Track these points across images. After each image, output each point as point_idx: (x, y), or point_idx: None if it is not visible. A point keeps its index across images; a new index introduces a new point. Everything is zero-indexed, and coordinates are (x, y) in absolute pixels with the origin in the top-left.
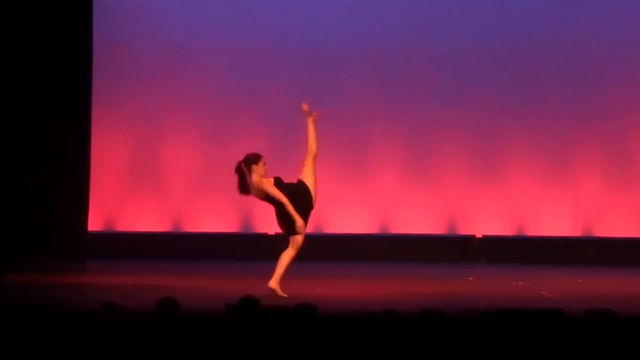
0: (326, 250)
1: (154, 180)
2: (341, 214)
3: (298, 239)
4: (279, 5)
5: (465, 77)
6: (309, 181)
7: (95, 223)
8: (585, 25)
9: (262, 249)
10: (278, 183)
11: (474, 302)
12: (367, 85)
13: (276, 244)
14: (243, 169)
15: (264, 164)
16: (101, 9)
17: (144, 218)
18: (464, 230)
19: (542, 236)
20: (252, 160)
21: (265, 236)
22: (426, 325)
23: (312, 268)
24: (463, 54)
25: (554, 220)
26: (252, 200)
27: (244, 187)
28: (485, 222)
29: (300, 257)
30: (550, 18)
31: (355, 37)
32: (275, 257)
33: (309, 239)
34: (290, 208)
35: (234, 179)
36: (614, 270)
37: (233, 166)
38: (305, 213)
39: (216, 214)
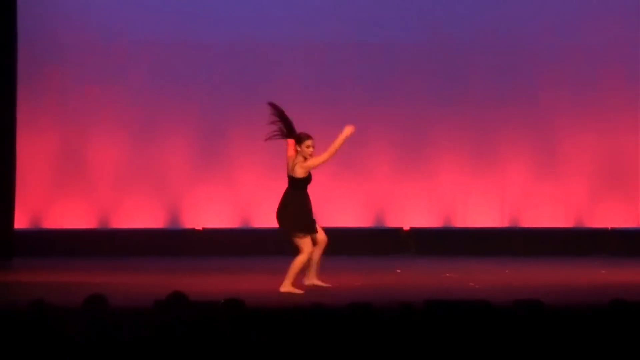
0: (254, 244)
1: (81, 177)
2: (269, 207)
3: (308, 241)
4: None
5: (392, 71)
6: None
7: (22, 220)
8: (510, 18)
9: (190, 245)
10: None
11: (402, 294)
12: (299, 79)
13: (203, 240)
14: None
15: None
16: (26, 2)
17: (71, 215)
18: (392, 222)
19: (470, 227)
20: (303, 138)
21: (193, 232)
22: (354, 318)
23: (241, 263)
24: (391, 48)
25: (481, 211)
26: (179, 196)
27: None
28: (413, 214)
29: (228, 251)
30: (479, 12)
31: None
32: (202, 253)
33: (240, 233)
34: (337, 142)
35: (161, 175)
36: (541, 261)
37: (160, 163)
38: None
39: (143, 210)
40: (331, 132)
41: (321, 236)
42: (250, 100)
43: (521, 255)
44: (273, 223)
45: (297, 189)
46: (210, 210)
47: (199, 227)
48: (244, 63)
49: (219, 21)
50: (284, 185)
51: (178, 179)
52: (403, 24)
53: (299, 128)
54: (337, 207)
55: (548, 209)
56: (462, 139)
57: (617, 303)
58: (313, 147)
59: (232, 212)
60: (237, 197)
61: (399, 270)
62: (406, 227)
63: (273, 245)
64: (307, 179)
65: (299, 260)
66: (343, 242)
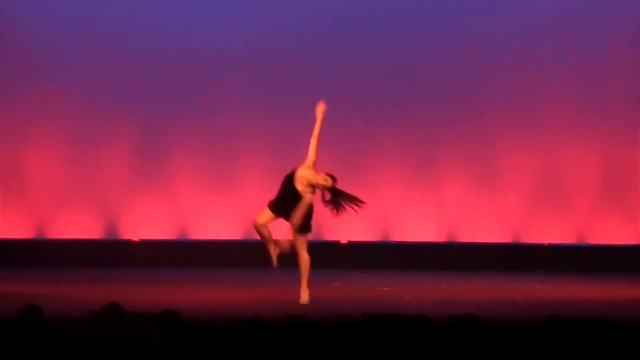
0: (191, 256)
1: (18, 187)
2: (207, 220)
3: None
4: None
5: (332, 85)
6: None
7: None
8: (451, 36)
9: (127, 256)
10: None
11: (338, 307)
12: (233, 87)
13: (140, 251)
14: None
15: None
16: None
17: (7, 225)
18: (330, 236)
19: (407, 242)
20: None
21: (129, 242)
22: (290, 331)
23: (177, 274)
24: (325, 58)
25: (418, 226)
26: (117, 207)
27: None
28: (351, 228)
29: (165, 263)
30: (419, 29)
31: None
32: (139, 264)
33: (177, 245)
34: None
35: (99, 186)
36: (477, 276)
37: (97, 174)
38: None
39: (80, 221)
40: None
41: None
42: (191, 113)
43: (458, 269)
44: (210, 235)
45: None
46: (148, 222)
47: (136, 238)
48: (184, 73)
49: (158, 29)
50: (221, 197)
51: (116, 190)
52: (342, 36)
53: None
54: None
55: (485, 224)
56: (400, 153)
57: (552, 319)
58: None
59: (170, 224)
60: (175, 209)
61: (335, 284)
62: (343, 241)
63: (209, 257)
64: None
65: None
66: (283, 255)
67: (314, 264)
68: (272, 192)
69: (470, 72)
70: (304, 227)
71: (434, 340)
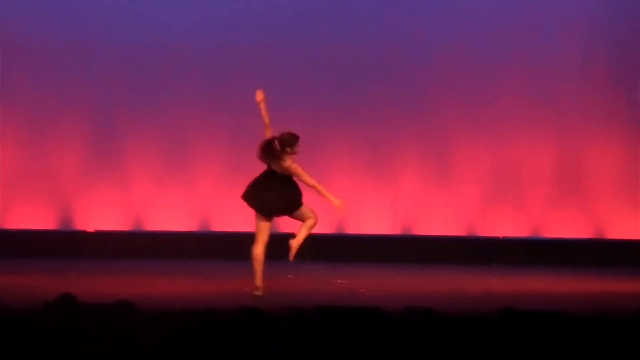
0: (146, 247)
1: None
2: (161, 211)
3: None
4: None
5: (282, 74)
6: None
7: None
8: (406, 30)
9: (81, 246)
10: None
11: (293, 299)
12: (186, 80)
13: (95, 241)
14: (276, 147)
15: (298, 146)
16: None
17: None
18: (284, 228)
19: (362, 234)
20: (288, 142)
21: (84, 233)
22: (244, 322)
23: (132, 265)
24: (274, 50)
25: (374, 218)
26: (71, 198)
27: (268, 157)
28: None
29: (120, 254)
30: (372, 23)
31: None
32: (94, 255)
33: (132, 236)
34: (324, 190)
35: (53, 176)
36: (432, 269)
37: (52, 165)
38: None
39: (34, 212)
40: None
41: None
42: (145, 104)
43: (413, 262)
44: (166, 226)
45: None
46: (102, 213)
47: (90, 229)
48: (136, 64)
49: (107, 21)
50: (175, 188)
51: (70, 181)
52: (296, 30)
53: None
54: (229, 212)
55: (440, 217)
56: (356, 147)
57: (508, 311)
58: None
59: (124, 215)
60: (129, 200)
61: (290, 276)
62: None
63: (165, 248)
64: None
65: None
66: (235, 246)
67: (269, 256)
68: (226, 184)
69: (425, 67)
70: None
71: (388, 332)
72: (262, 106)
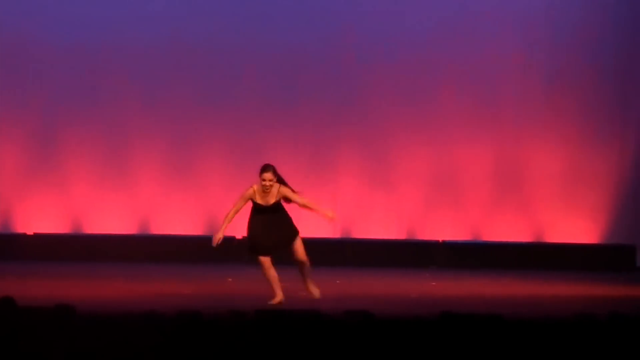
0: (85, 250)
1: None
2: (101, 214)
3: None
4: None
5: (227, 77)
6: None
7: None
8: (343, 31)
9: (20, 249)
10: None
11: (232, 303)
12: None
13: (34, 244)
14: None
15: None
16: None
17: None
18: (225, 231)
19: (302, 237)
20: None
21: (23, 236)
22: (184, 326)
23: (72, 268)
24: (225, 54)
25: (313, 222)
26: (9, 201)
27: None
28: (246, 223)
29: (59, 257)
30: (309, 19)
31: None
32: (33, 257)
33: (71, 239)
34: (316, 206)
35: None
36: (372, 272)
37: None
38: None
39: None
40: None
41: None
42: (84, 106)
43: (352, 265)
44: (104, 229)
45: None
46: (41, 216)
47: (29, 231)
48: (76, 64)
49: (53, 23)
50: (115, 191)
51: (8, 184)
52: (236, 33)
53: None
54: (171, 216)
55: (380, 221)
56: (295, 150)
57: (447, 315)
58: (267, 180)
59: (63, 218)
60: (69, 203)
61: (230, 279)
62: (238, 236)
63: (104, 252)
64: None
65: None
66: (175, 249)
67: (209, 259)
68: (167, 187)
69: (364, 69)
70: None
71: (327, 335)
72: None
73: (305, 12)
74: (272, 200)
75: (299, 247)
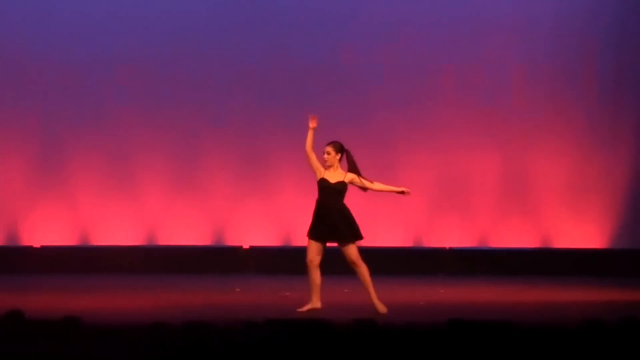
0: (93, 262)
1: None
2: (107, 226)
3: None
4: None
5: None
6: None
7: None
8: (352, 29)
9: (27, 262)
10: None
11: (241, 312)
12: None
13: (40, 257)
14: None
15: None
16: None
17: None
18: (232, 241)
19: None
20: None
21: (30, 249)
22: (191, 337)
23: (79, 280)
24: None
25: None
26: (17, 214)
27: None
28: (253, 233)
29: (67, 269)
30: (304, 22)
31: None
32: (40, 270)
33: (74, 251)
34: (389, 187)
35: None
36: (379, 280)
37: None
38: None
39: None
40: None
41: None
42: (89, 118)
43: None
44: (111, 241)
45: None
46: (48, 228)
47: (36, 244)
48: (83, 80)
49: (55, 38)
50: (121, 203)
51: (16, 197)
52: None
53: None
54: (176, 226)
55: (387, 228)
56: (299, 156)
57: (456, 322)
58: (325, 152)
59: (70, 230)
60: (76, 215)
61: (238, 289)
62: (246, 246)
63: (111, 263)
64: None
65: (366, 271)
66: (181, 260)
67: (217, 270)
68: (174, 197)
69: (368, 74)
70: (355, 234)
71: (336, 344)
72: (312, 133)
73: (310, 16)
74: (334, 179)
75: (351, 251)
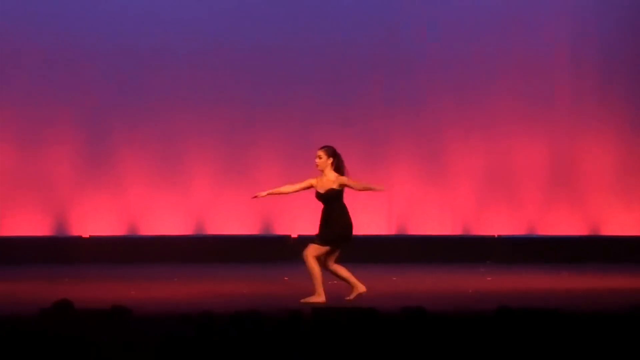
0: (141, 252)
1: None
2: (156, 216)
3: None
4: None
5: (268, 78)
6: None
7: None
8: (400, 22)
9: (76, 252)
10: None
11: (290, 302)
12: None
13: (89, 247)
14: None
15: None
16: None
17: None
18: (281, 230)
19: (358, 235)
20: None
21: (79, 239)
22: (240, 325)
23: (128, 270)
24: (267, 54)
25: (369, 219)
26: (65, 204)
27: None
28: (302, 222)
29: (115, 259)
30: (359, 16)
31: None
32: (87, 260)
33: (123, 241)
34: (371, 185)
35: (47, 182)
36: (428, 268)
37: (46, 170)
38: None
39: (29, 218)
40: None
41: None
42: (139, 110)
43: (408, 262)
44: (160, 231)
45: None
46: (97, 218)
47: (85, 234)
48: (130, 70)
49: (103, 26)
50: (170, 193)
51: (65, 187)
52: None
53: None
54: (223, 215)
55: (435, 217)
56: (349, 148)
57: (504, 310)
58: (317, 157)
59: (119, 220)
60: (124, 205)
61: (286, 279)
62: (294, 235)
63: (159, 253)
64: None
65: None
66: (231, 249)
67: (265, 258)
68: (221, 187)
69: (419, 66)
70: (320, 235)
71: (384, 332)
72: (269, 192)
73: (351, 9)
74: (323, 188)
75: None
